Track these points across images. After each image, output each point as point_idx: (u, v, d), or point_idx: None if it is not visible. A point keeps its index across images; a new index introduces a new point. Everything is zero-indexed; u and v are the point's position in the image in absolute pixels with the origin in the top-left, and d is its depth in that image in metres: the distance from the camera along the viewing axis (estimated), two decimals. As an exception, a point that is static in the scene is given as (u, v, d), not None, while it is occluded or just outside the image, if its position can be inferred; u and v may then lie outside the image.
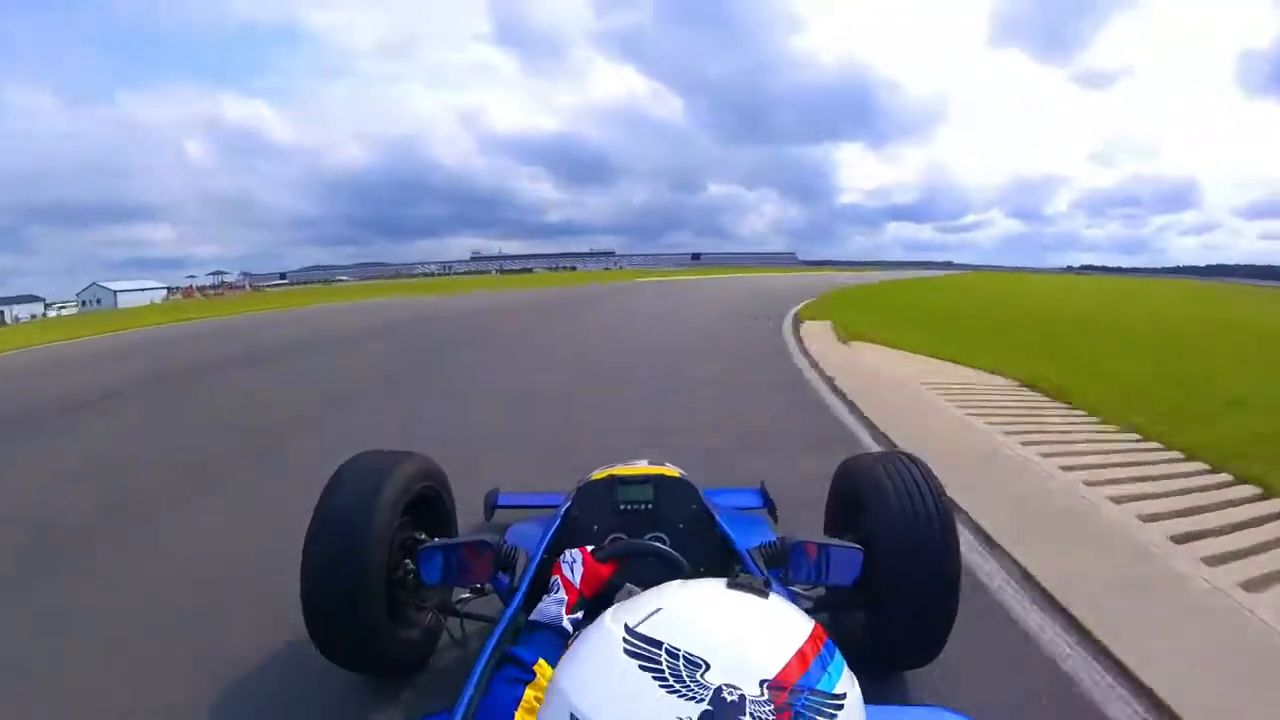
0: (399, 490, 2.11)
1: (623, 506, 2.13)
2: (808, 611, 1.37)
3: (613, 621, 0.93)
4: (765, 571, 1.76)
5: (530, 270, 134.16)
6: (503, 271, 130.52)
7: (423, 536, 2.24)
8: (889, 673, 2.23)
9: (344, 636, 2.03)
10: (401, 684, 2.26)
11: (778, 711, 0.79)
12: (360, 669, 2.19)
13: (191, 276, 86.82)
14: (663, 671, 0.82)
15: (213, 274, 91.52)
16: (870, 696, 1.01)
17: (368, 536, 1.97)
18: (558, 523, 2.12)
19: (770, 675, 0.82)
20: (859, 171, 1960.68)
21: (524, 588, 1.76)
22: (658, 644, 0.85)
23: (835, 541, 1.79)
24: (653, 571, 1.54)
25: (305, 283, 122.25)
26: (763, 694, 0.80)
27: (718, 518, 2.12)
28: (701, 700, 0.78)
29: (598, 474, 2.32)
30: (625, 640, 0.87)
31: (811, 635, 0.93)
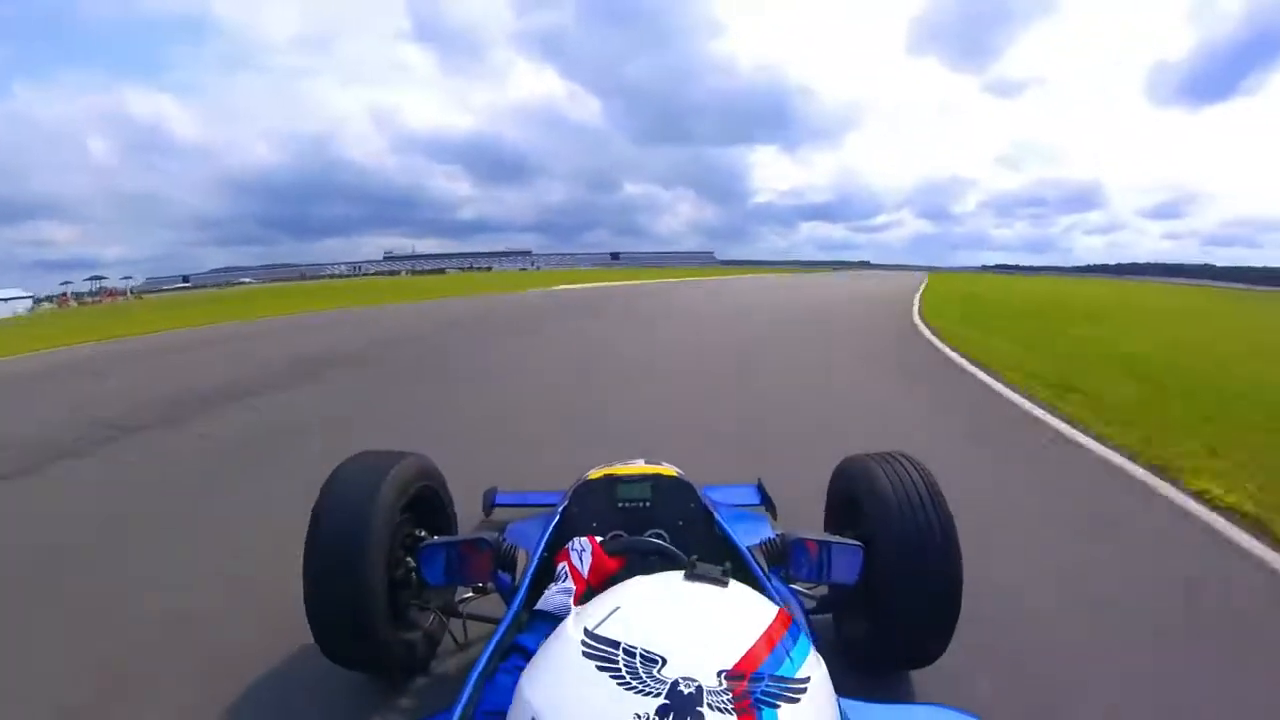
0: (398, 490, 2.11)
1: (621, 505, 2.12)
2: (811, 611, 1.98)
3: (573, 626, 0.93)
4: (767, 570, 1.77)
5: (443, 271, 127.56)
6: (414, 272, 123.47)
7: (422, 534, 2.24)
8: (889, 672, 2.23)
9: (347, 637, 2.02)
10: (404, 686, 2.26)
11: (736, 700, 0.80)
12: (363, 669, 2.20)
13: (66, 283, 76.47)
14: (620, 670, 0.82)
15: (91, 279, 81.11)
16: (871, 694, 1.21)
17: (368, 536, 1.97)
18: (556, 521, 2.07)
19: (728, 665, 0.83)
20: (773, 172, 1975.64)
21: (525, 586, 1.73)
22: (615, 644, 0.86)
23: (835, 539, 1.80)
24: (654, 570, 1.37)
25: (207, 286, 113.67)
26: (720, 684, 0.81)
27: (717, 516, 2.09)
28: (658, 695, 0.78)
29: (595, 473, 2.28)
30: (584, 643, 0.88)
31: (773, 621, 0.95)
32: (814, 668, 0.91)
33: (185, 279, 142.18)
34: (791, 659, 0.89)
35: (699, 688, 0.79)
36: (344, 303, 26.83)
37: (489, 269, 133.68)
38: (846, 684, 1.04)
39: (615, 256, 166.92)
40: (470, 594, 2.37)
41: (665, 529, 2.04)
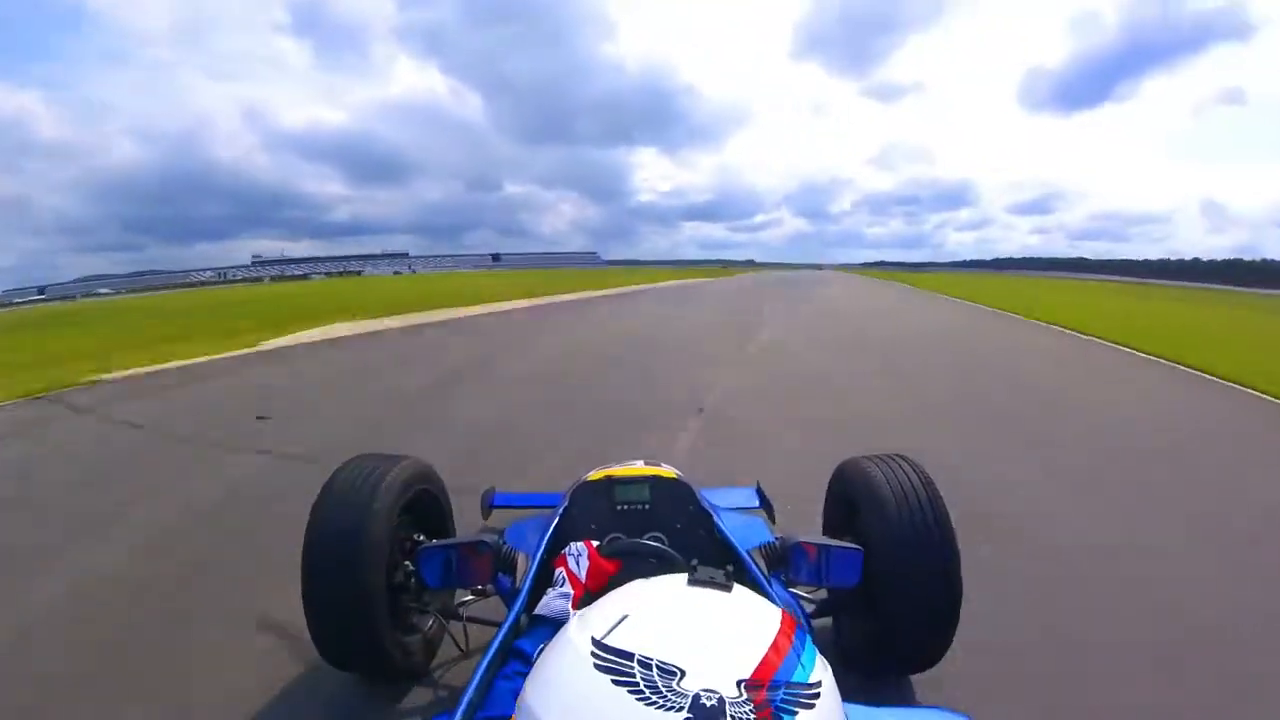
0: (396, 493, 2.09)
1: (620, 506, 2.10)
2: (810, 615, 2.00)
3: (579, 634, 0.90)
4: (766, 573, 1.76)
5: (306, 277, 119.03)
6: (278, 279, 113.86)
7: (421, 538, 2.21)
8: (889, 674, 2.19)
9: (346, 640, 2.00)
10: (404, 689, 2.22)
11: (758, 710, 0.79)
12: (364, 674, 2.18)
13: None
14: (638, 684, 0.80)
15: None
16: (871, 697, 1.15)
17: (367, 539, 1.95)
18: (555, 522, 2.06)
19: (746, 674, 0.83)
20: (655, 173, 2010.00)
21: (526, 589, 1.72)
22: (628, 655, 0.84)
23: (835, 542, 1.78)
24: (655, 573, 1.34)
25: (65, 298, 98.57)
26: (741, 694, 0.80)
27: (715, 518, 2.09)
28: (680, 709, 0.77)
29: (594, 474, 2.26)
30: (594, 655, 0.85)
31: (781, 625, 0.94)
32: (823, 672, 0.92)
33: (41, 290, 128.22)
34: (803, 665, 0.89)
35: (721, 699, 0.78)
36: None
37: (359, 273, 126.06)
38: (847, 687, 1.04)
39: (496, 258, 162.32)
40: (470, 596, 2.33)
41: (664, 531, 2.01)
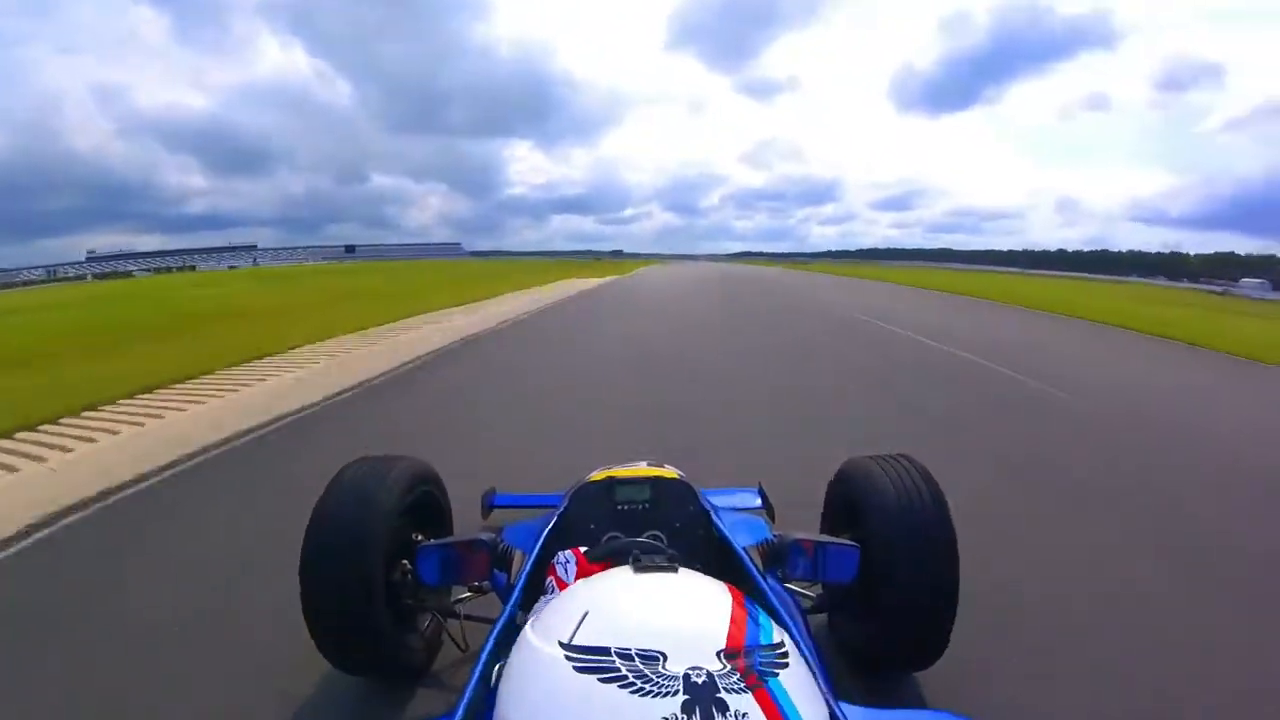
0: (398, 494, 2.13)
1: (620, 506, 2.11)
2: (807, 611, 2.05)
3: (542, 641, 0.90)
4: (764, 569, 1.79)
5: (130, 274, 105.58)
6: (104, 276, 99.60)
7: (419, 538, 2.23)
8: (889, 673, 2.28)
9: (348, 641, 2.04)
10: (403, 687, 2.26)
11: (745, 677, 0.82)
12: (364, 673, 2.21)
13: None
14: (625, 676, 0.80)
15: None
16: (871, 699, 1.24)
17: (368, 540, 2.00)
18: (554, 522, 2.07)
19: (722, 644, 0.86)
20: (529, 165, 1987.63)
21: (520, 587, 1.73)
22: (605, 650, 0.84)
23: (831, 540, 1.82)
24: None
25: None
26: (724, 665, 0.83)
27: (715, 517, 2.09)
28: (676, 692, 0.78)
29: (595, 475, 2.28)
30: (569, 658, 0.84)
31: (732, 593, 1.01)
32: (782, 632, 0.97)
33: None
34: (762, 626, 0.95)
35: (709, 674, 0.80)
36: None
37: (193, 268, 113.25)
38: (847, 688, 1.30)
39: (350, 249, 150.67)
40: (468, 594, 2.36)
41: (663, 530, 2.03)
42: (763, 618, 0.96)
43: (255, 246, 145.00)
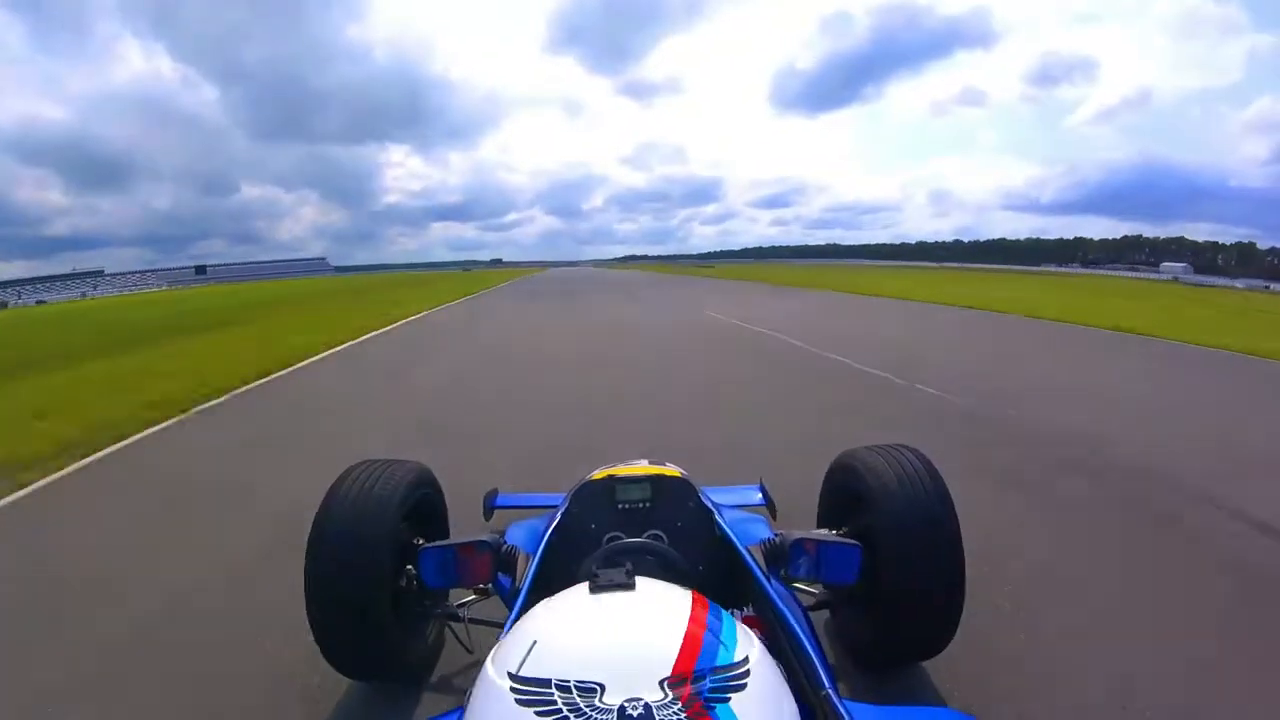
0: (399, 498, 2.14)
1: (621, 505, 2.08)
2: (809, 609, 1.87)
3: (496, 672, 0.88)
4: (765, 569, 1.76)
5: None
6: None
7: (421, 541, 2.23)
8: (890, 670, 2.29)
9: (355, 648, 2.06)
10: (405, 688, 2.28)
11: (687, 706, 0.78)
12: (368, 678, 2.24)
13: None
14: (560, 710, 0.79)
15: None
16: (873, 695, 1.30)
17: (372, 547, 2.00)
18: (556, 522, 2.05)
19: (666, 672, 0.82)
20: (404, 172, 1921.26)
21: (526, 589, 1.70)
22: (545, 683, 0.82)
23: (834, 539, 1.81)
24: (650, 570, 1.46)
25: None
26: (666, 695, 0.79)
27: (716, 515, 2.06)
28: None
29: (597, 474, 2.24)
30: (513, 690, 0.83)
31: (692, 609, 0.95)
32: (748, 645, 0.92)
33: None
34: (724, 644, 0.89)
35: (646, 706, 0.78)
36: None
37: (4, 305, 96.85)
38: (853, 685, 1.33)
39: (201, 271, 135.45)
40: (472, 596, 2.28)
41: (664, 529, 2.00)
42: (726, 633, 0.91)
43: (102, 272, 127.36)
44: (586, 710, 0.77)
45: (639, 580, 1.00)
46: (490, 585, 2.00)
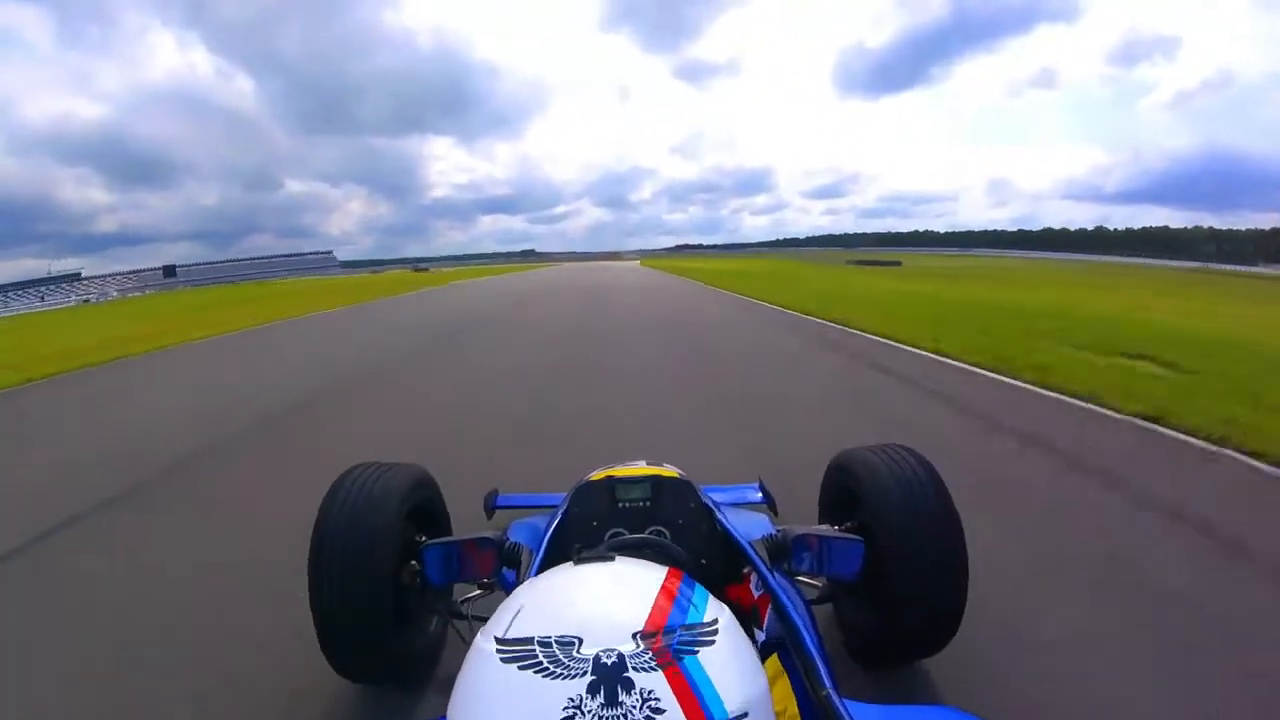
0: (400, 498, 2.14)
1: (621, 504, 2.09)
2: (811, 602, 1.89)
3: (484, 640, 0.91)
4: (769, 564, 1.76)
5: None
6: None
7: (423, 539, 2.22)
8: (890, 669, 2.30)
9: (358, 650, 2.05)
10: (411, 690, 2.31)
11: (657, 655, 0.83)
12: (371, 681, 2.23)
13: None
14: (540, 662, 0.82)
15: None
16: (875, 694, 1.19)
17: (374, 549, 2.00)
18: (557, 520, 2.05)
19: (640, 626, 0.87)
20: (450, 164, 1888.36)
21: None
22: (528, 640, 0.86)
23: (836, 534, 1.83)
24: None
25: None
26: (638, 646, 0.84)
27: (717, 513, 2.07)
28: (584, 673, 0.80)
29: (595, 475, 2.27)
30: (499, 651, 0.87)
31: (667, 577, 1.00)
32: (719, 610, 0.96)
33: None
34: (695, 606, 0.95)
35: (620, 655, 0.82)
36: None
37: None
38: (854, 683, 1.28)
39: (170, 272, 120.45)
40: (476, 592, 2.25)
41: (666, 526, 2.01)
42: (697, 598, 0.97)
43: (80, 275, 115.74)
44: (565, 660, 0.81)
45: (619, 556, 1.06)
46: (494, 580, 1.96)
